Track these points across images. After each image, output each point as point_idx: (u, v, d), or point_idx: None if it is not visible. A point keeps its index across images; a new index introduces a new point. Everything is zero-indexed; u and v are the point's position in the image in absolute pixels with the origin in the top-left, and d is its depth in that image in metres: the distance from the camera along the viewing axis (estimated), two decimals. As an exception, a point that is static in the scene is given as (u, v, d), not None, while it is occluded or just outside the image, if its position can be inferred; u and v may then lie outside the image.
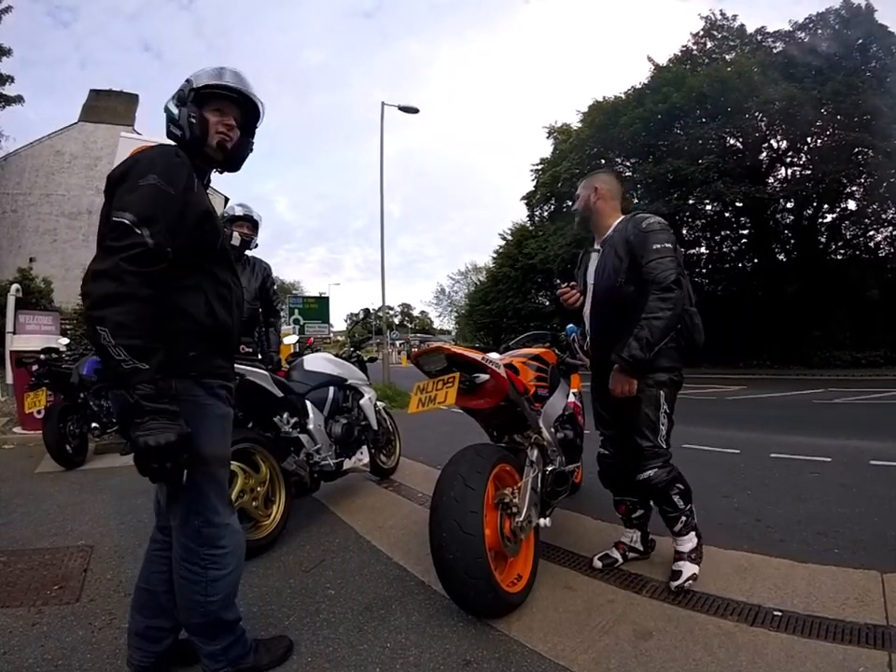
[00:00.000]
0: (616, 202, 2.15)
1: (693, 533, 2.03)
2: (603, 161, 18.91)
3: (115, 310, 1.13)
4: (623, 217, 2.10)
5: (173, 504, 1.35)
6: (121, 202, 1.21)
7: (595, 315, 2.11)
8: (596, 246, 2.13)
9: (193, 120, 1.39)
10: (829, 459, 3.85)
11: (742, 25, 18.50)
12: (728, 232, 18.75)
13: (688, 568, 1.95)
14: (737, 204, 16.47)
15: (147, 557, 1.50)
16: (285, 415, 2.67)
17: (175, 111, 1.41)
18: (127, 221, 1.17)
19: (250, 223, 3.27)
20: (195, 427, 1.26)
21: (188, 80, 1.44)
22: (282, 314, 4.62)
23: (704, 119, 16.17)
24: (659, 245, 1.88)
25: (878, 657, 1.47)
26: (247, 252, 3.38)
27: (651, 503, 2.13)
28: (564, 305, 2.25)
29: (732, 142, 17.04)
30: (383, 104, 11.83)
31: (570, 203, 19.65)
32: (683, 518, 2.00)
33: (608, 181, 2.16)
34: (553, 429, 2.31)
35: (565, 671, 1.49)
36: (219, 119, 1.42)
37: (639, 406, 1.96)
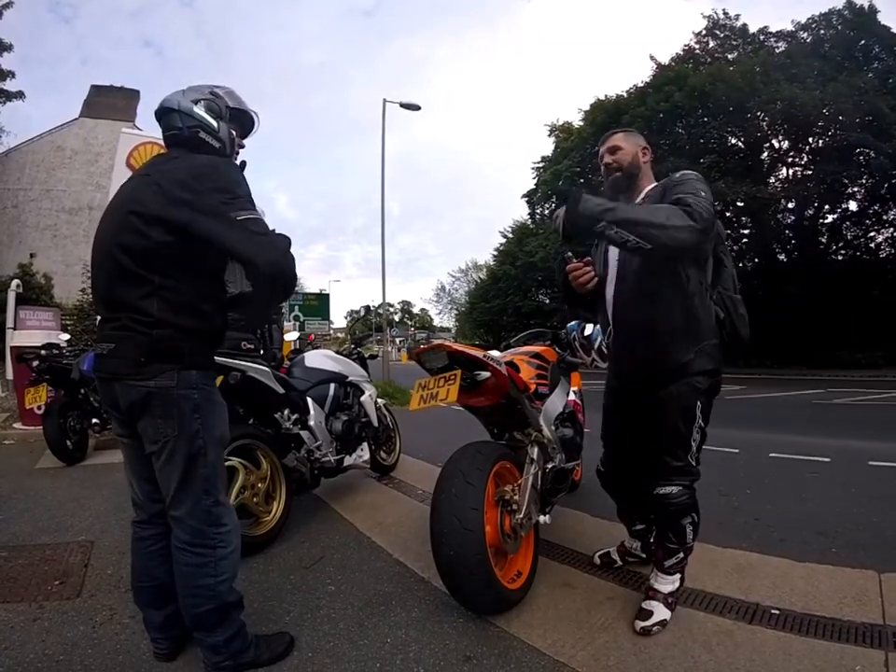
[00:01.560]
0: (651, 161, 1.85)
1: (679, 575, 1.78)
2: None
3: None
4: (655, 182, 1.81)
5: (183, 489, 1.38)
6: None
7: (623, 300, 1.75)
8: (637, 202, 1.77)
9: (231, 138, 1.56)
10: (828, 459, 3.86)
11: (745, 25, 18.51)
12: (729, 232, 18.73)
13: (660, 612, 1.68)
14: (738, 204, 16.47)
15: (142, 555, 1.52)
16: (286, 412, 2.68)
17: (214, 123, 1.51)
18: None
19: None
20: (208, 413, 1.40)
21: (215, 94, 1.54)
22: (283, 310, 4.62)
23: (705, 119, 16.16)
24: (697, 188, 1.55)
25: (875, 656, 1.47)
26: None
27: (651, 545, 1.91)
28: (572, 284, 1.80)
29: (733, 141, 17.05)
30: (384, 100, 11.83)
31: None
32: (681, 555, 1.76)
33: (643, 138, 1.86)
34: (553, 427, 2.31)
35: (564, 667, 1.50)
36: (236, 138, 1.60)
37: (671, 418, 1.67)
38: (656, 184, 1.79)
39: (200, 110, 1.48)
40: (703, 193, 1.53)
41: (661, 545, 1.78)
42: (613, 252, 1.79)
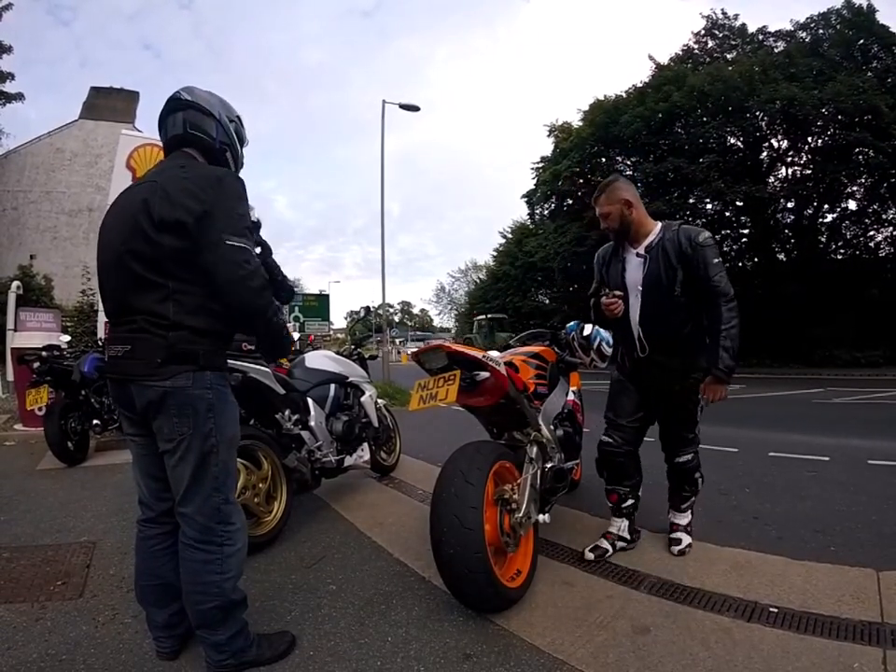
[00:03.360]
0: (642, 205, 2.16)
1: (691, 511, 2.33)
2: (603, 160, 18.91)
3: None
4: (658, 223, 2.16)
5: (194, 487, 1.41)
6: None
7: (650, 319, 2.13)
8: (639, 251, 2.13)
9: (242, 165, 1.68)
10: (827, 458, 3.87)
11: (743, 24, 18.48)
12: (728, 232, 18.74)
13: (685, 538, 2.24)
14: (738, 204, 16.46)
15: (147, 555, 1.53)
16: (286, 412, 2.69)
17: (239, 148, 1.63)
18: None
19: None
20: (222, 413, 1.44)
21: (240, 120, 1.64)
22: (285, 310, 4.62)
23: (704, 119, 16.13)
24: (717, 260, 2.03)
25: (873, 653, 1.48)
26: None
27: (669, 494, 2.35)
28: (605, 314, 2.18)
29: (732, 141, 17.02)
30: (384, 101, 11.84)
31: (570, 202, 19.85)
32: (693, 498, 2.32)
33: (629, 188, 2.16)
34: (552, 427, 2.32)
35: (563, 665, 1.51)
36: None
37: (687, 401, 2.15)
38: (661, 224, 2.15)
39: (232, 131, 1.56)
40: (722, 266, 2.04)
41: (677, 495, 2.31)
42: (635, 279, 2.13)
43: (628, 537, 2.28)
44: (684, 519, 2.31)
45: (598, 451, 2.30)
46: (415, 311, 75.63)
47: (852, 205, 16.98)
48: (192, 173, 1.39)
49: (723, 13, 18.52)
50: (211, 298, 1.38)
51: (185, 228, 1.31)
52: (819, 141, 16.03)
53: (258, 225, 3.27)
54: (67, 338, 5.59)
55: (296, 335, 4.71)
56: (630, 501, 2.28)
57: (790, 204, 17.20)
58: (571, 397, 2.69)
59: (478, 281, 36.71)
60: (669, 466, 2.29)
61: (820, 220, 17.56)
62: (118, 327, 1.42)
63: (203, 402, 1.38)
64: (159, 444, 1.41)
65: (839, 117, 14.36)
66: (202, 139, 1.49)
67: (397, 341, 42.00)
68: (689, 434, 2.22)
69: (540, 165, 21.20)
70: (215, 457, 1.41)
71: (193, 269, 1.35)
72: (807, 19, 17.04)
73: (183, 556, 1.43)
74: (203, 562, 1.41)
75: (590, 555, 2.19)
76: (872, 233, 17.22)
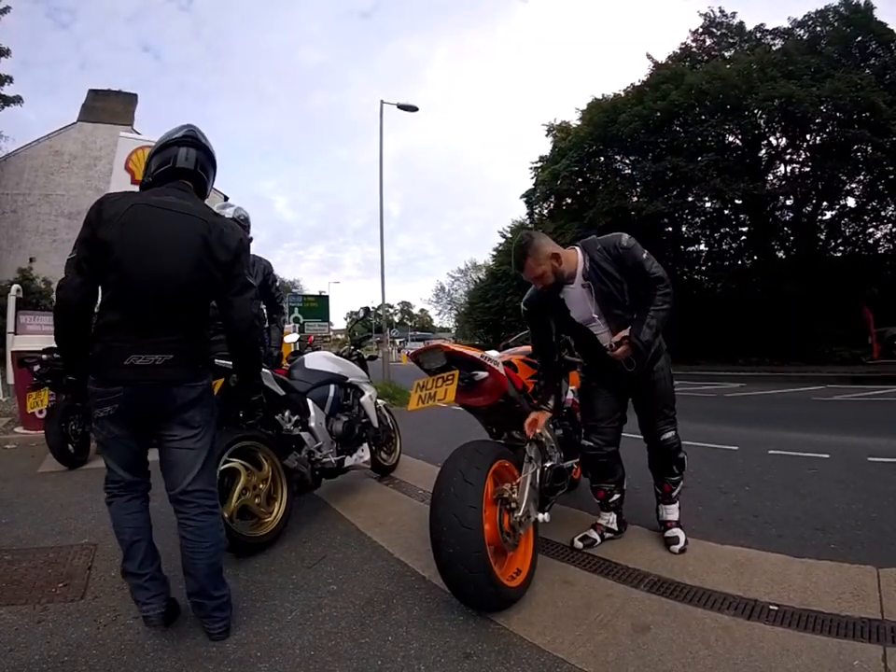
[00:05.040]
0: (559, 245, 2.16)
1: (679, 503, 2.38)
2: (602, 159, 18.91)
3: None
4: (575, 250, 2.19)
5: (207, 464, 1.69)
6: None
7: (616, 324, 2.14)
8: (578, 283, 2.14)
9: None
10: (827, 456, 3.87)
11: (741, 22, 18.53)
12: (727, 230, 18.73)
13: (681, 535, 2.27)
14: (736, 202, 16.45)
15: (132, 517, 1.66)
16: (286, 413, 2.69)
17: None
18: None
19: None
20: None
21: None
22: (284, 312, 4.62)
23: (703, 117, 16.12)
24: (645, 253, 2.13)
25: (873, 651, 1.48)
26: None
27: (655, 487, 2.41)
28: (610, 355, 2.12)
29: (731, 139, 17.02)
30: (382, 102, 11.84)
31: (569, 201, 19.86)
32: (681, 483, 2.36)
33: (546, 239, 2.13)
34: (551, 426, 2.33)
35: (563, 664, 1.51)
36: None
37: (664, 384, 2.26)
38: (578, 251, 2.18)
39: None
40: (648, 254, 2.12)
41: (666, 481, 2.34)
42: (587, 307, 2.16)
43: (616, 528, 2.38)
44: (675, 513, 2.35)
45: (581, 454, 2.36)
46: (415, 311, 75.68)
47: (851, 202, 16.99)
48: (236, 234, 1.68)
49: (721, 11, 18.57)
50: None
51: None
52: (818, 138, 16.03)
53: (247, 222, 3.26)
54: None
55: (295, 336, 4.71)
56: (616, 496, 2.36)
57: (788, 202, 17.19)
58: (570, 396, 2.70)
59: (478, 281, 36.66)
60: (654, 448, 2.32)
61: (819, 218, 17.55)
62: (157, 338, 1.55)
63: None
64: (180, 435, 1.63)
65: (837, 114, 14.36)
66: (201, 179, 1.75)
67: (397, 341, 42.01)
68: (670, 411, 2.28)
69: (539, 165, 21.18)
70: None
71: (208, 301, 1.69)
72: (805, 16, 17.10)
73: (201, 523, 1.63)
74: (215, 523, 1.68)
75: (579, 544, 2.28)
76: (871, 230, 17.23)
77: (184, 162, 1.68)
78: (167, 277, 1.53)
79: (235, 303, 1.63)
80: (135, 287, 1.52)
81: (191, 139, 1.71)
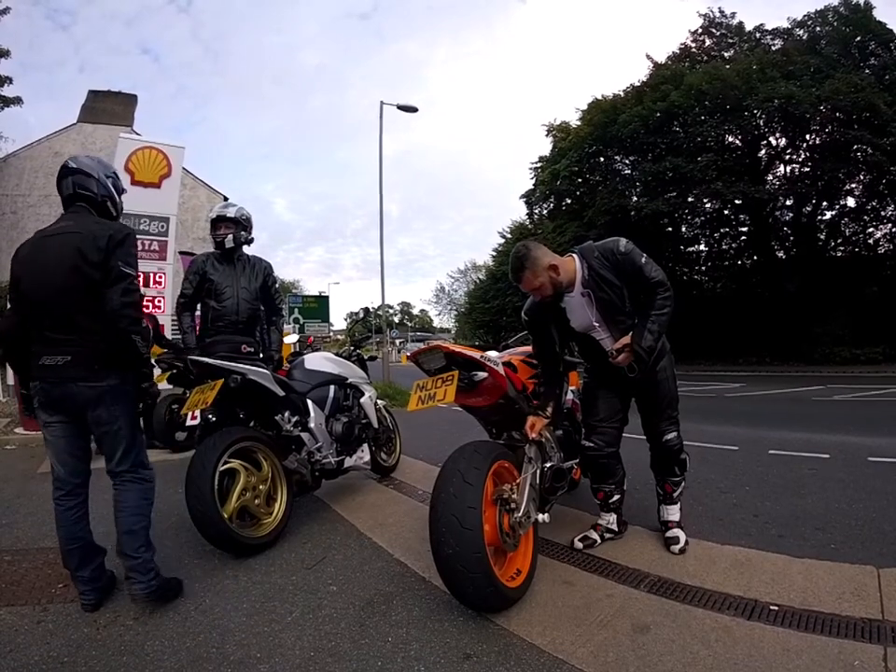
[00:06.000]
0: (556, 254, 2.15)
1: (680, 503, 2.39)
2: (602, 160, 18.92)
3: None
4: (573, 258, 2.16)
5: (119, 449, 1.88)
6: None
7: (619, 328, 2.13)
8: (578, 291, 2.13)
9: (122, 210, 2.17)
10: (827, 455, 3.87)
11: (741, 23, 18.54)
12: (727, 230, 18.75)
13: (682, 535, 2.27)
14: (736, 202, 16.45)
15: (69, 523, 1.85)
16: (286, 414, 2.69)
17: (117, 196, 2.03)
18: None
19: (229, 222, 3.17)
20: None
21: (116, 175, 2.11)
22: (283, 312, 4.61)
23: (702, 117, 16.13)
24: (644, 258, 2.11)
25: (873, 651, 1.48)
26: (247, 252, 3.36)
27: (657, 488, 2.41)
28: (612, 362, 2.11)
29: (730, 140, 17.03)
30: (381, 102, 11.84)
31: (569, 201, 19.85)
32: (683, 484, 2.37)
33: (544, 250, 2.12)
34: (551, 426, 2.33)
35: (563, 664, 1.51)
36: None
37: (668, 385, 2.26)
38: (576, 259, 2.14)
39: (109, 184, 1.98)
40: (647, 258, 2.10)
41: (667, 482, 2.34)
42: (587, 315, 2.15)
43: (616, 529, 2.37)
44: (676, 513, 2.36)
45: (581, 455, 2.35)
46: (415, 311, 75.73)
47: (851, 203, 17.02)
48: (106, 227, 1.83)
49: (721, 11, 18.60)
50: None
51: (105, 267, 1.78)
52: (818, 139, 16.04)
53: (235, 220, 3.23)
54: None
55: (295, 337, 4.72)
56: (616, 496, 2.35)
57: (788, 202, 17.22)
58: (570, 396, 2.70)
59: (477, 281, 36.70)
60: (656, 449, 2.32)
61: (819, 218, 17.59)
62: (53, 341, 1.80)
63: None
64: (93, 426, 1.84)
65: (837, 114, 14.36)
66: (88, 196, 1.92)
67: (396, 342, 42.04)
68: (673, 412, 2.28)
69: (539, 165, 21.20)
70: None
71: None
72: (804, 16, 17.12)
73: (124, 491, 1.88)
74: (139, 490, 1.90)
75: (579, 545, 2.28)
76: (871, 230, 17.26)
77: (66, 191, 1.92)
78: (48, 285, 1.78)
79: (107, 294, 1.76)
80: (28, 299, 1.83)
81: (65, 169, 1.93)
